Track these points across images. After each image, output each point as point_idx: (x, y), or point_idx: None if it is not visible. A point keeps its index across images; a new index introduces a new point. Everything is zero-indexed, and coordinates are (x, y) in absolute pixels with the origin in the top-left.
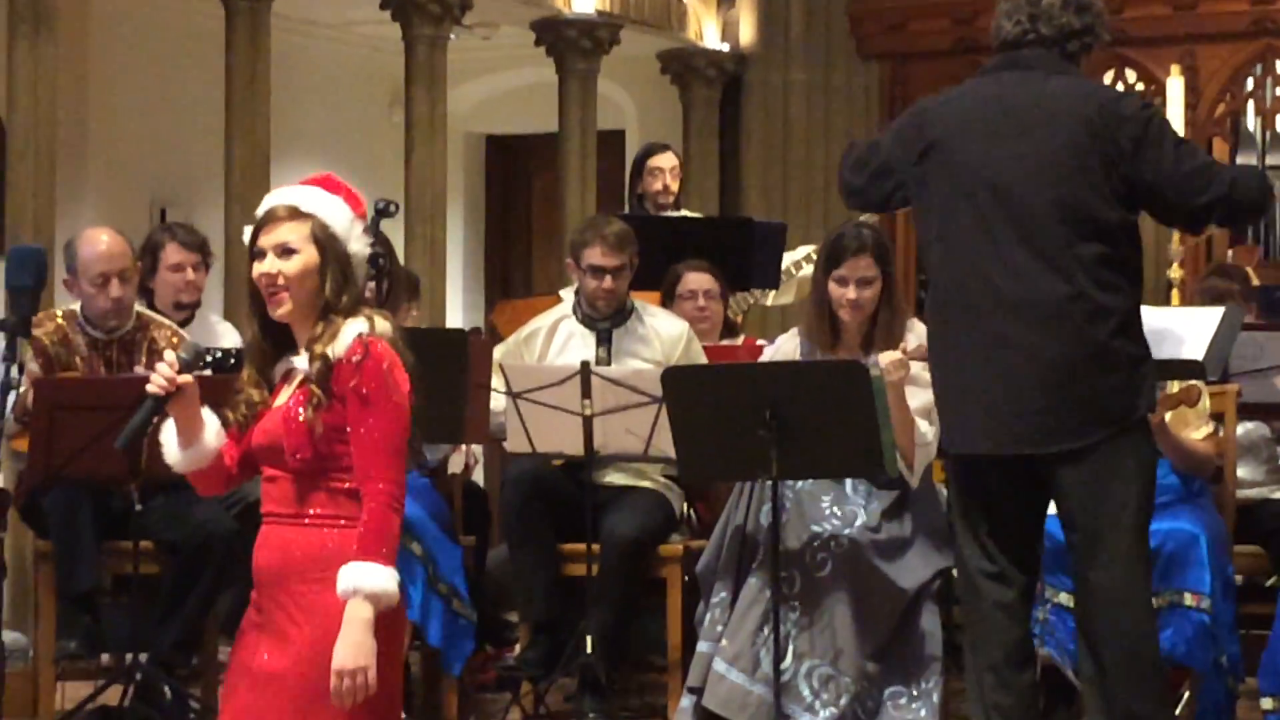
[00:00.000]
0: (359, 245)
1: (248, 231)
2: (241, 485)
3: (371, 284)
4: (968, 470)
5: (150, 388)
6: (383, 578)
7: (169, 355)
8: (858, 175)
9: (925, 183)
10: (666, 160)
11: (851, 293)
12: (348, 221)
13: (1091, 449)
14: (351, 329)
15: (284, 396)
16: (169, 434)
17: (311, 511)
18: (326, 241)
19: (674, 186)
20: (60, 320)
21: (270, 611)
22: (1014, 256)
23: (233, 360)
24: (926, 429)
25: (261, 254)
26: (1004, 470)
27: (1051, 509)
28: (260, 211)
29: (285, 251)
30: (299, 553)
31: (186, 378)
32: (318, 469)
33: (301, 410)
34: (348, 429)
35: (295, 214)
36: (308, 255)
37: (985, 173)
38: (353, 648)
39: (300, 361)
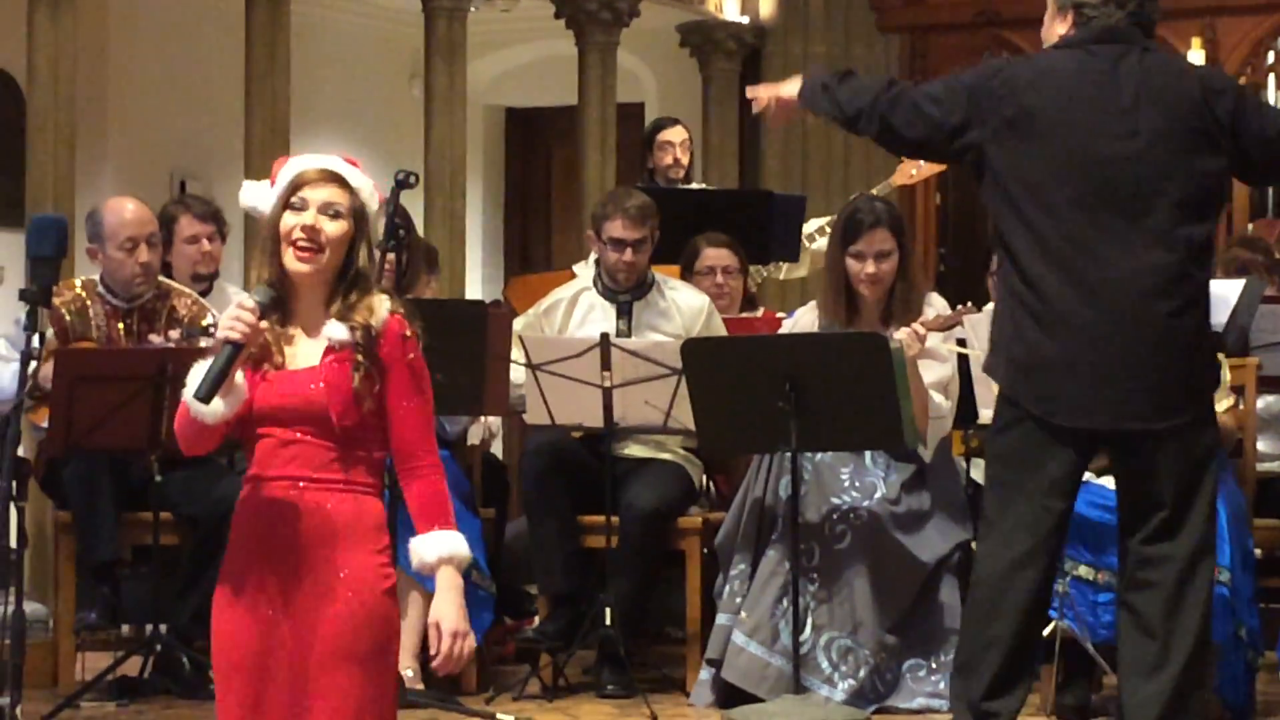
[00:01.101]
0: (376, 231)
1: (250, 190)
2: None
3: (391, 255)
4: (1043, 447)
5: (229, 333)
6: (462, 543)
7: (246, 300)
8: (914, 127)
9: (1013, 150)
10: (676, 134)
11: (870, 267)
12: (374, 204)
13: (1188, 426)
14: (384, 304)
15: (299, 360)
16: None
17: (345, 477)
18: (361, 219)
19: (684, 160)
20: (79, 290)
21: (293, 579)
22: (1123, 233)
23: None
24: (942, 402)
25: (302, 205)
26: (1078, 450)
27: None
28: (299, 168)
29: (333, 213)
30: (336, 517)
31: (264, 324)
32: (355, 436)
33: (355, 378)
34: (386, 399)
35: (342, 182)
36: (347, 224)
37: (1093, 148)
38: (459, 610)
39: (333, 330)
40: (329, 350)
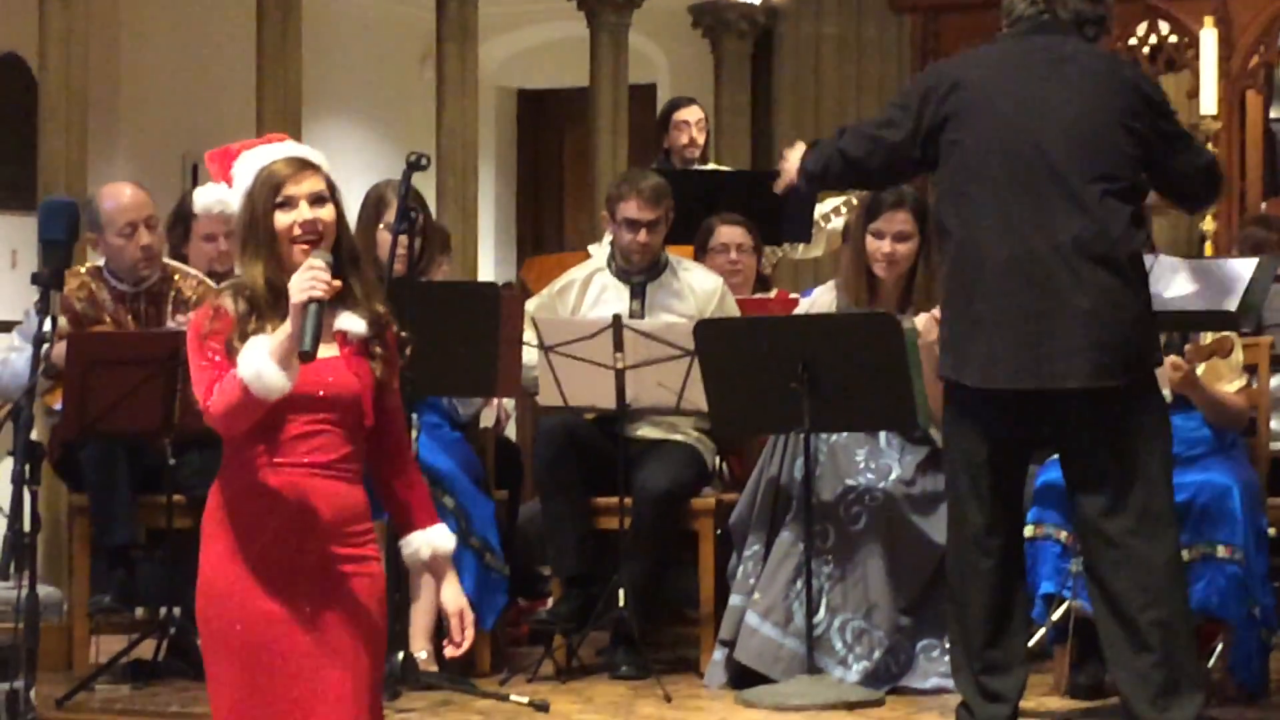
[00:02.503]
0: None
1: (208, 193)
2: None
3: (404, 238)
4: (977, 417)
5: (313, 292)
6: (451, 538)
7: (316, 260)
8: (874, 156)
9: (950, 132)
10: (692, 114)
11: (886, 246)
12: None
13: (1117, 393)
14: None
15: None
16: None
17: (357, 466)
18: (338, 197)
19: (700, 140)
20: (85, 277)
21: (322, 562)
22: (1049, 203)
23: None
24: None
25: (290, 202)
26: (1016, 417)
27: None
28: (263, 162)
29: (320, 200)
30: (357, 505)
31: (337, 281)
32: (362, 427)
33: (376, 368)
34: (389, 381)
35: (314, 167)
36: (332, 207)
37: (1025, 117)
38: (461, 594)
39: (346, 321)
40: (344, 343)
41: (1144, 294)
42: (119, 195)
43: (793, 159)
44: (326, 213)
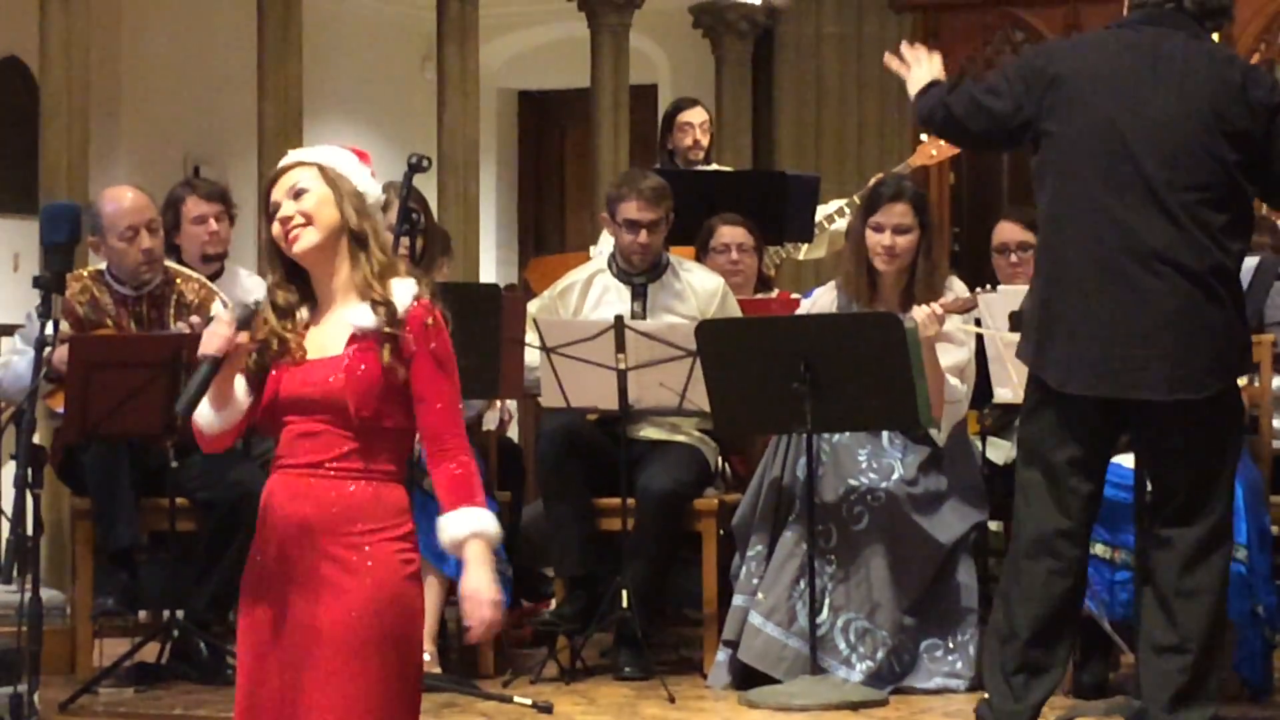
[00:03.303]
0: (369, 185)
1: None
2: (265, 442)
3: (405, 239)
4: (1060, 413)
5: (206, 349)
6: (491, 520)
7: (223, 314)
8: (976, 119)
9: (1050, 118)
10: (696, 115)
11: (886, 239)
12: (351, 162)
13: (1204, 404)
14: (407, 287)
15: (320, 349)
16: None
17: (365, 465)
18: (335, 178)
19: (704, 141)
20: (87, 280)
21: (312, 563)
22: (1142, 205)
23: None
24: (958, 385)
25: (274, 208)
26: (1096, 420)
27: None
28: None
29: (297, 193)
30: (353, 504)
31: (243, 336)
32: (374, 425)
33: (364, 364)
34: (412, 387)
35: (300, 164)
36: (320, 191)
37: (1120, 118)
38: (490, 581)
39: (356, 316)
40: (353, 339)
41: (1231, 305)
42: (120, 199)
43: (915, 75)
44: (305, 201)
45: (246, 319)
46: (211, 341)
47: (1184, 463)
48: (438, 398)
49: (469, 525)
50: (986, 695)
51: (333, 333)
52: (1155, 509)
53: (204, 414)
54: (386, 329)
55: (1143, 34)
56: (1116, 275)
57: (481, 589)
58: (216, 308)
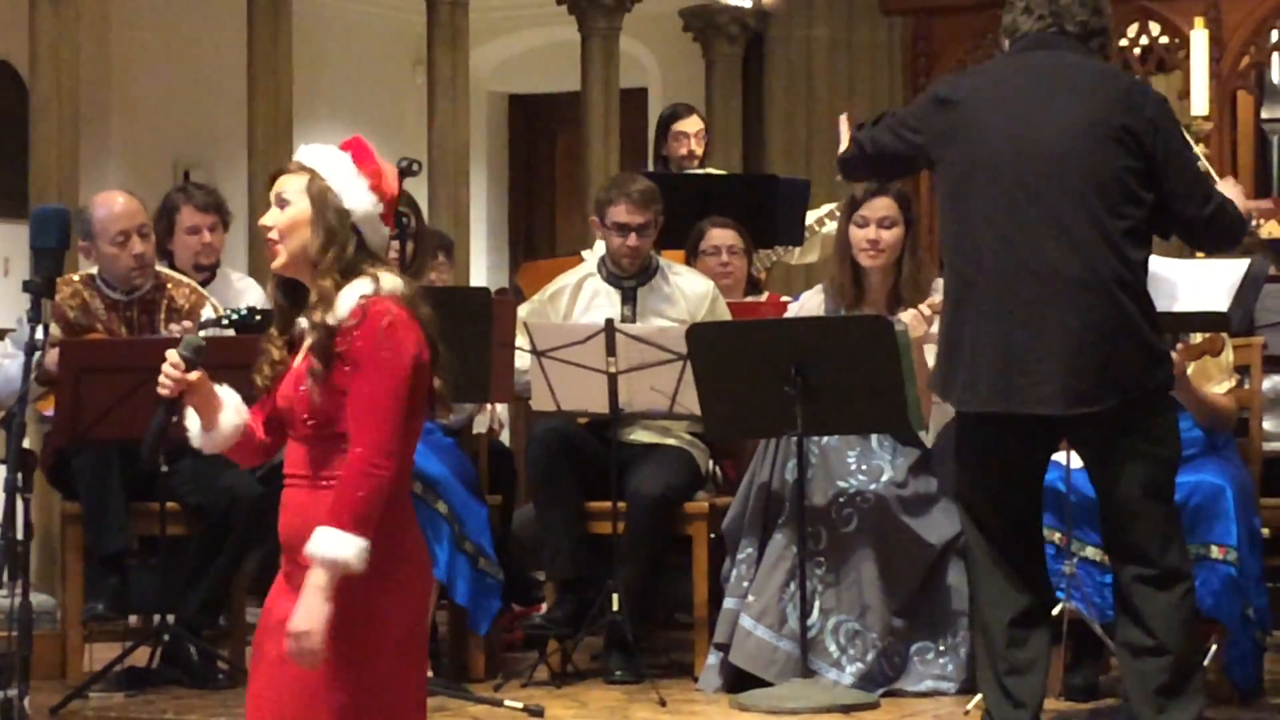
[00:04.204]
0: (361, 203)
1: None
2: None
3: (395, 243)
4: (983, 433)
5: (160, 390)
6: (340, 546)
7: (171, 355)
8: (897, 143)
9: (945, 144)
10: (692, 125)
11: (871, 232)
12: (348, 176)
13: (1108, 414)
14: (352, 293)
15: (299, 359)
16: (191, 421)
17: (324, 475)
18: (318, 195)
19: (699, 151)
20: (78, 285)
21: (294, 574)
22: (1037, 221)
23: (258, 317)
24: None
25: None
26: (1019, 433)
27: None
28: None
29: (281, 202)
30: (314, 516)
31: (194, 375)
32: (330, 434)
33: (308, 379)
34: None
35: (299, 167)
36: (299, 207)
37: (1012, 136)
38: (304, 611)
39: (302, 322)
40: (306, 350)
41: (1134, 317)
42: (111, 204)
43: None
44: (281, 217)
45: (194, 357)
46: (164, 384)
47: (1104, 477)
48: (350, 401)
49: (314, 547)
50: (986, 707)
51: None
52: (1102, 519)
53: (195, 437)
54: (316, 348)
55: (1029, 56)
56: (1012, 294)
57: (294, 616)
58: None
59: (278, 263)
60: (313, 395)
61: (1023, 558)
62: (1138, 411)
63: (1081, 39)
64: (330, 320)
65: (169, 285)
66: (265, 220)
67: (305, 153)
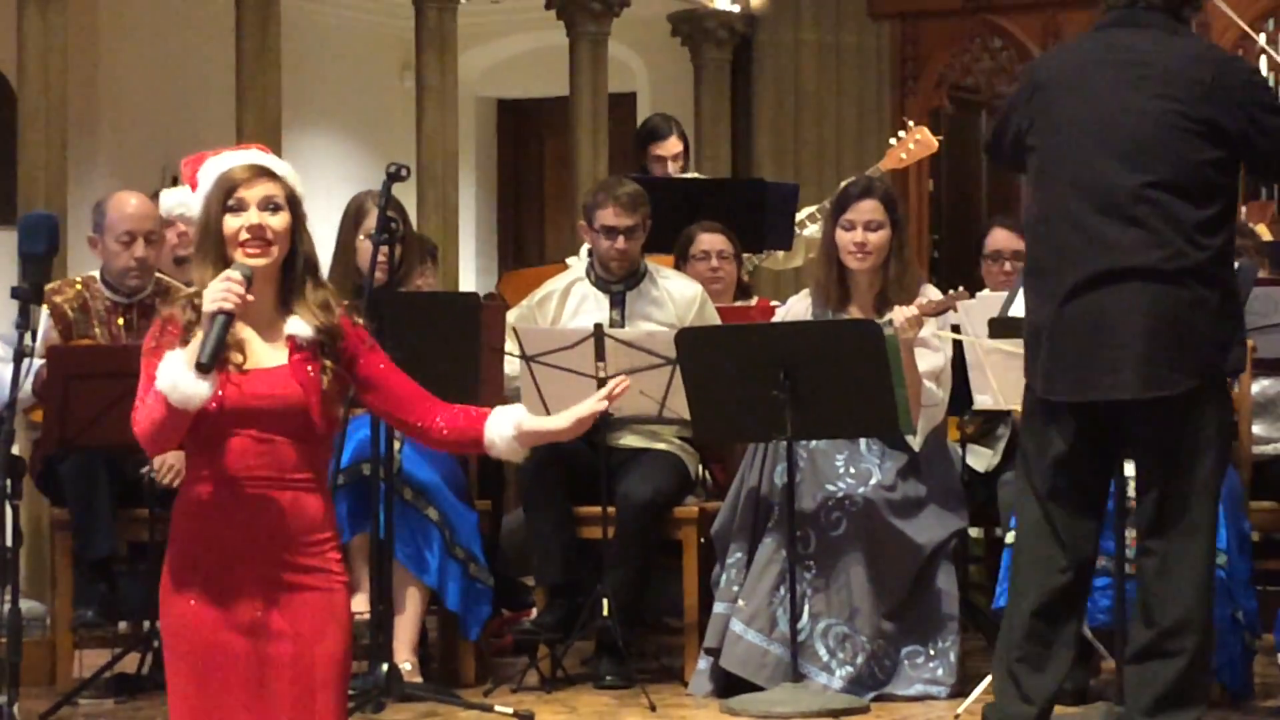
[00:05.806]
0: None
1: (172, 196)
2: None
3: (384, 249)
4: (1058, 419)
5: (223, 304)
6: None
7: (232, 273)
8: (998, 133)
9: (1031, 131)
10: (669, 148)
11: (858, 235)
12: (301, 189)
13: (1185, 402)
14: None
15: (261, 358)
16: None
17: (311, 475)
18: (295, 205)
19: (676, 170)
20: (80, 286)
21: (270, 573)
22: (1110, 209)
23: None
24: (935, 390)
25: (241, 206)
26: (1092, 419)
27: None
28: (223, 168)
29: (273, 207)
30: (306, 515)
31: (251, 295)
32: (325, 435)
33: (324, 380)
34: (372, 375)
35: (272, 175)
36: (288, 215)
37: (1089, 123)
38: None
39: (295, 327)
40: (294, 349)
41: (1213, 302)
42: (124, 204)
43: None
44: (277, 220)
45: (250, 279)
46: (228, 296)
47: (1163, 463)
48: (396, 370)
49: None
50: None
51: (269, 345)
52: (1138, 516)
53: (188, 383)
54: (324, 348)
55: (1114, 35)
56: (1086, 281)
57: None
58: (233, 270)
59: (267, 262)
60: (332, 398)
61: (1076, 539)
62: (1207, 397)
63: (1171, 10)
64: (336, 325)
65: (170, 292)
66: (258, 220)
67: (271, 160)
